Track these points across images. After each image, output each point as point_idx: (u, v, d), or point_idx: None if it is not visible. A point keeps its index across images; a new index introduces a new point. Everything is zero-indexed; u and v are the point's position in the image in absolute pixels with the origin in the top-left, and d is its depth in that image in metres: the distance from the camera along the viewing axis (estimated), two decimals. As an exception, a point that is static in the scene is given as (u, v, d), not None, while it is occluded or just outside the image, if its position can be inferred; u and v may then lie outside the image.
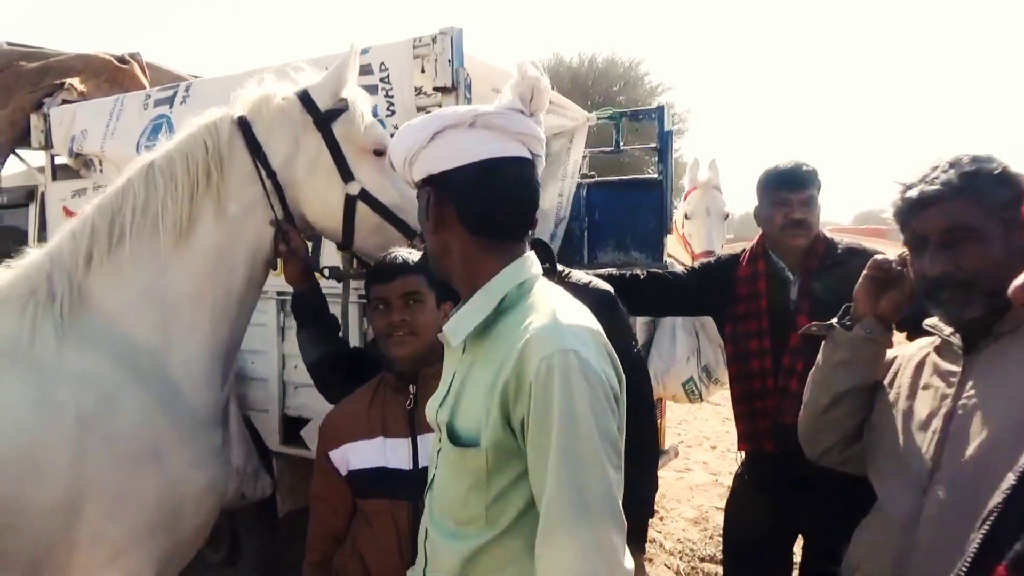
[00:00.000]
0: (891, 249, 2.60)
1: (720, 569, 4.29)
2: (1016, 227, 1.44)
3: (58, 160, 4.18)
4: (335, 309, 2.44)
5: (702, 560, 4.49)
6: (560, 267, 2.32)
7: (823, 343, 1.77)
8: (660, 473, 2.62)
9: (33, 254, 1.99)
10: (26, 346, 1.82)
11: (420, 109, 2.82)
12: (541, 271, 1.40)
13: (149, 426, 1.88)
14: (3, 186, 4.70)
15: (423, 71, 2.81)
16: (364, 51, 2.98)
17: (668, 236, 4.54)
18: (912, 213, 1.50)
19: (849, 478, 2.42)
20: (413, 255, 2.00)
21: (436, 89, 2.76)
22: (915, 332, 1.84)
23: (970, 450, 1.37)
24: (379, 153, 2.15)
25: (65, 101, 4.24)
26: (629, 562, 1.19)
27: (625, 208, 4.61)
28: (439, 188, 1.35)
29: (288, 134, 2.09)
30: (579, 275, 2.31)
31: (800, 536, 2.66)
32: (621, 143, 4.84)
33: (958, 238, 1.44)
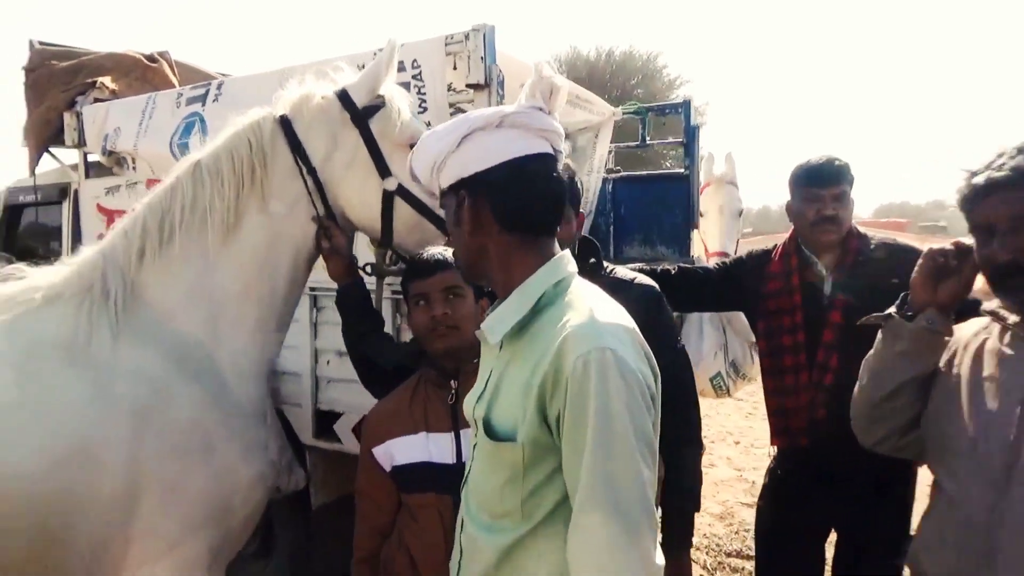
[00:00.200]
0: (911, 242, 2.60)
1: (746, 564, 4.31)
2: None
3: (91, 158, 4.23)
4: None
5: (728, 555, 4.50)
6: (605, 263, 2.33)
7: (880, 333, 1.75)
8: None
9: (86, 252, 2.04)
10: (83, 342, 1.86)
11: (452, 106, 2.84)
12: (576, 270, 1.42)
13: (201, 420, 1.92)
14: (37, 183, 4.76)
15: (455, 68, 2.82)
16: (394, 49, 3.01)
17: (695, 231, 4.53)
18: (978, 200, 1.49)
19: (882, 472, 2.43)
20: (448, 252, 2.02)
21: (469, 86, 2.77)
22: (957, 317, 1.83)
23: None
24: None
25: (97, 100, 4.28)
26: (660, 559, 1.21)
27: (651, 203, 4.61)
28: (472, 190, 1.38)
29: (327, 131, 2.12)
30: (624, 271, 2.31)
31: (833, 531, 2.67)
32: (647, 138, 4.84)
33: None
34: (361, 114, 2.12)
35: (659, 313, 2.21)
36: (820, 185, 2.56)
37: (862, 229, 2.68)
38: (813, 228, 2.58)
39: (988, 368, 1.55)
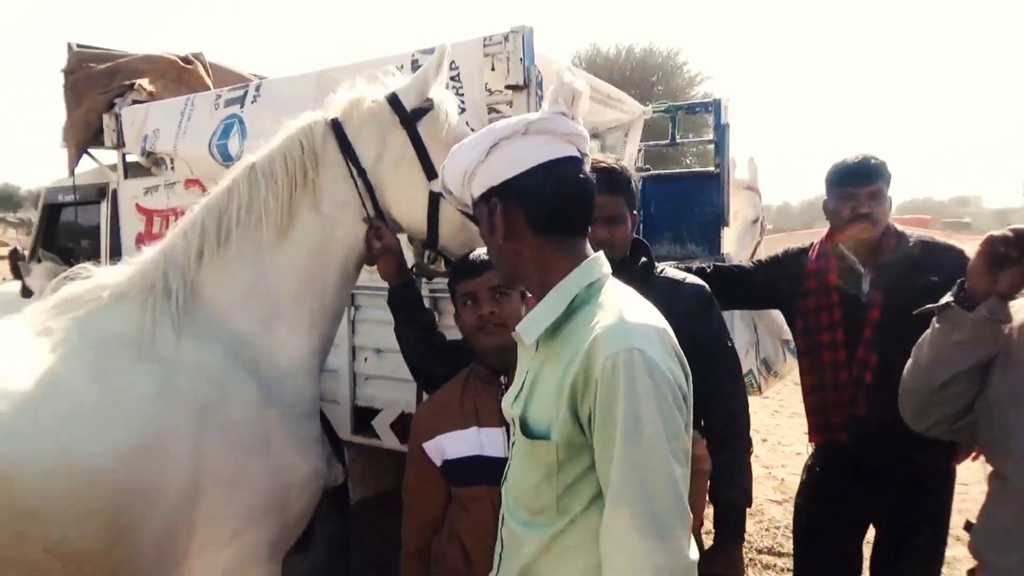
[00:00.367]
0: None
1: (777, 561, 4.32)
2: None
3: (129, 158, 4.30)
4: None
5: (759, 552, 4.51)
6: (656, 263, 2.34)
7: (935, 322, 1.74)
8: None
9: (148, 251, 2.10)
10: (148, 340, 1.93)
11: (491, 107, 2.87)
12: (610, 271, 1.45)
13: (259, 417, 1.99)
14: (75, 183, 4.85)
15: (493, 69, 2.86)
16: (433, 49, 3.04)
17: (725, 229, 4.54)
18: None
19: (922, 466, 2.45)
20: None
21: (508, 87, 2.80)
22: None
23: None
24: None
25: (135, 101, 4.35)
26: (694, 554, 1.23)
27: (681, 201, 4.61)
28: (503, 197, 1.42)
29: (376, 134, 2.16)
30: (674, 271, 2.33)
31: (871, 527, 2.68)
32: (677, 136, 4.85)
33: None
34: (409, 116, 2.16)
35: (710, 312, 2.23)
36: (855, 183, 2.58)
37: (899, 227, 2.69)
38: (849, 226, 2.59)
39: None
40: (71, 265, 4.95)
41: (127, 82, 4.48)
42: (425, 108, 2.18)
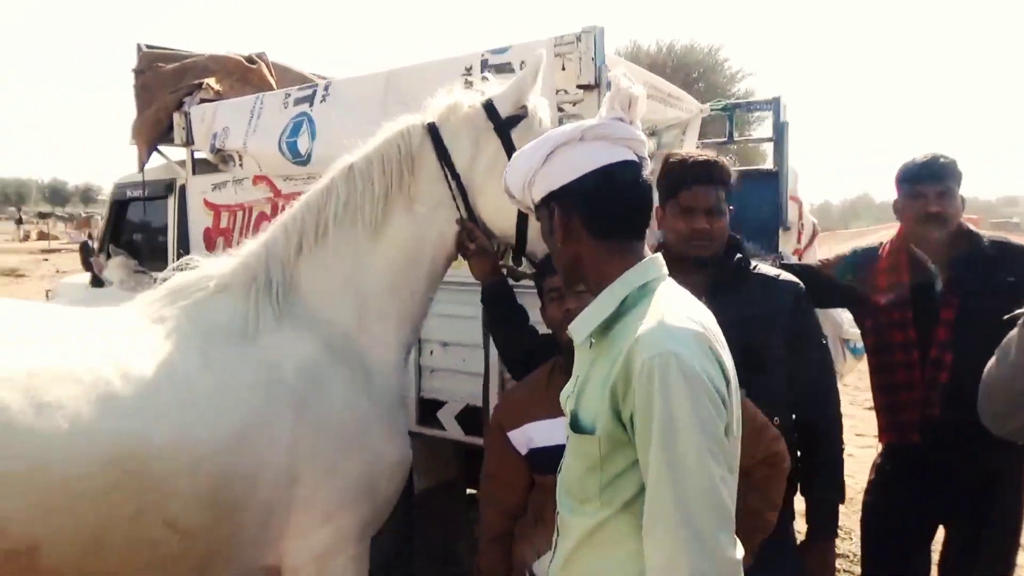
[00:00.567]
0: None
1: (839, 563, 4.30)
2: None
3: (197, 155, 4.42)
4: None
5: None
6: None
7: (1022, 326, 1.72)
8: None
9: (250, 244, 2.21)
10: (252, 329, 2.04)
11: (561, 106, 2.91)
12: (666, 274, 1.47)
13: (354, 406, 2.08)
14: (144, 179, 5.00)
15: (563, 69, 2.89)
16: (503, 50, 3.08)
17: (782, 229, 4.51)
18: None
19: (995, 467, 2.43)
20: None
21: (580, 87, 2.83)
22: None
23: None
24: None
25: (203, 100, 4.47)
26: (738, 552, 1.26)
27: (738, 199, 4.57)
28: (561, 202, 1.47)
29: (471, 139, 2.22)
30: (767, 267, 2.35)
31: (941, 529, 2.68)
32: (735, 134, 4.84)
33: None
34: (504, 123, 2.21)
35: (806, 309, 2.25)
36: (924, 182, 2.58)
37: (972, 227, 2.68)
38: (918, 225, 2.59)
39: None
40: (138, 259, 5.09)
41: (195, 81, 4.60)
42: (520, 116, 2.24)
